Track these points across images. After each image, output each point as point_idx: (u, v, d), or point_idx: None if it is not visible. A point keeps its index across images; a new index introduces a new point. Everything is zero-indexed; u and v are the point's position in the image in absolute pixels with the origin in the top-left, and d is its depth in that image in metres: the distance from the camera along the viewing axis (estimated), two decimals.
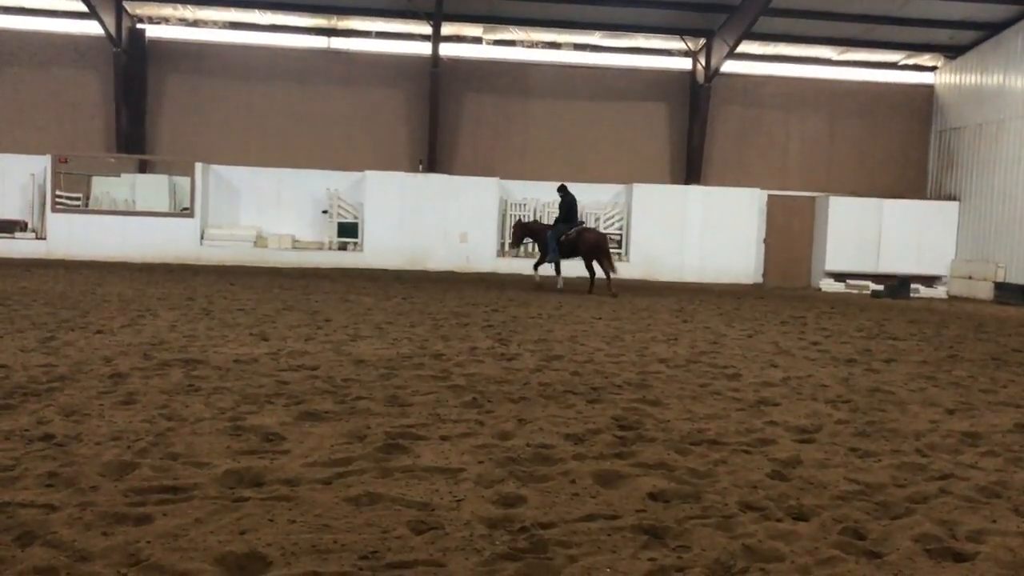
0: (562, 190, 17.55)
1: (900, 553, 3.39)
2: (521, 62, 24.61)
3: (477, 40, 24.31)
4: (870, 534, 3.61)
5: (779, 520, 3.75)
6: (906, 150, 25.35)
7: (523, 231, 18.15)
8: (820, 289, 22.60)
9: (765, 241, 23.57)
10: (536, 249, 19.32)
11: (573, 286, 17.71)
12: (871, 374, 8.03)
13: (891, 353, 9.67)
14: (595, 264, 17.07)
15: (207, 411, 5.38)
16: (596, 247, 16.96)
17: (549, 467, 4.43)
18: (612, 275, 16.99)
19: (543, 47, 24.55)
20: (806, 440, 5.25)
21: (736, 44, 22.43)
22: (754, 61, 24.72)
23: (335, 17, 23.52)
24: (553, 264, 17.54)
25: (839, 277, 22.85)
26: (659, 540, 3.46)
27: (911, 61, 24.94)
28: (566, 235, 17.00)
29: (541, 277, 17.80)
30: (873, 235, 23.06)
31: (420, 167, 23.64)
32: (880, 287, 21.44)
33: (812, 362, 8.68)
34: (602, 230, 22.77)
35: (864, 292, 21.84)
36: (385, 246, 22.15)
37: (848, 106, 25.17)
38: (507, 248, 22.07)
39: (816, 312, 15.12)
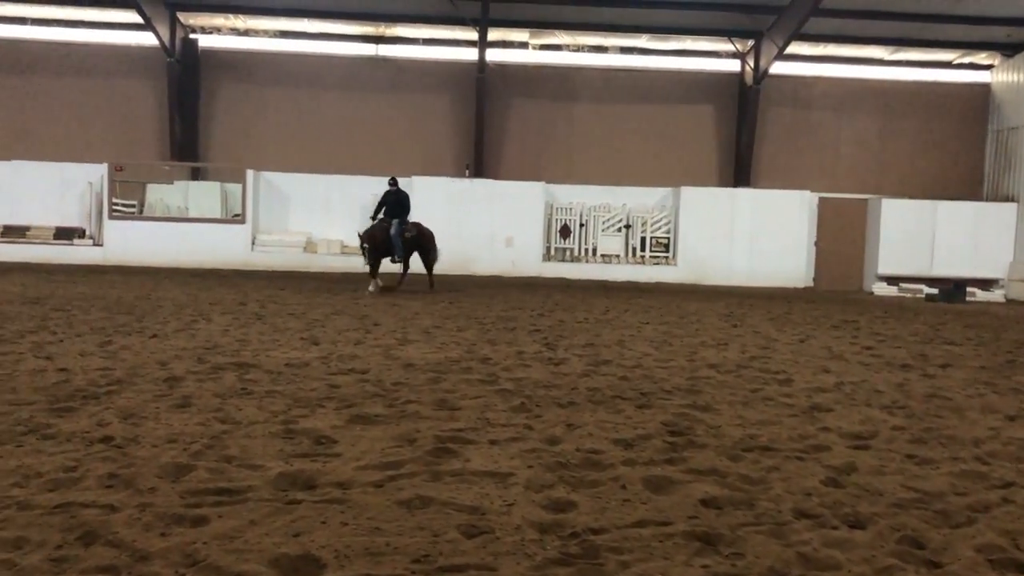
0: (394, 183, 16.37)
1: (962, 563, 3.31)
2: (567, 66, 24.61)
3: (523, 45, 24.37)
4: (930, 543, 3.53)
5: (835, 528, 3.69)
6: (961, 151, 24.81)
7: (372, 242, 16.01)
8: (872, 293, 22.20)
9: (816, 244, 23.23)
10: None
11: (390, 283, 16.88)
12: (927, 379, 7.85)
13: (947, 358, 9.45)
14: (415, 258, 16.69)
15: (260, 414, 5.45)
16: (433, 241, 16.75)
17: (599, 472, 4.40)
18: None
19: (589, 51, 24.52)
20: (861, 447, 5.15)
21: (785, 45, 22.17)
22: (804, 62, 24.42)
23: (383, 24, 23.77)
24: (372, 264, 16.02)
25: (892, 281, 22.43)
26: (712, 547, 3.42)
27: (966, 60, 24.42)
28: (408, 231, 16.09)
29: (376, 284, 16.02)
30: (927, 238, 22.60)
31: (466, 172, 23.75)
32: (935, 291, 20.99)
33: (866, 367, 8.52)
34: (646, 233, 22.77)
35: (918, 296, 21.41)
36: None
37: (901, 106, 24.72)
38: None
39: (869, 316, 14.84)
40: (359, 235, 16.20)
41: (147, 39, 23.14)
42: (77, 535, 3.29)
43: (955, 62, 24.51)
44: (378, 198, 16.69)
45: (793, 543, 3.46)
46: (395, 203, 16.16)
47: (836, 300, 19.18)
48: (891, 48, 23.94)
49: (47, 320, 9.96)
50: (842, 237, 23.28)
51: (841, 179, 24.60)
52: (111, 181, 21.63)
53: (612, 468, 4.48)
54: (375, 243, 15.82)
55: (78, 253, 21.52)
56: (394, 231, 15.86)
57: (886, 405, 6.51)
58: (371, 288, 15.69)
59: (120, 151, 23.37)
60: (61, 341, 8.32)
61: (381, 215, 16.17)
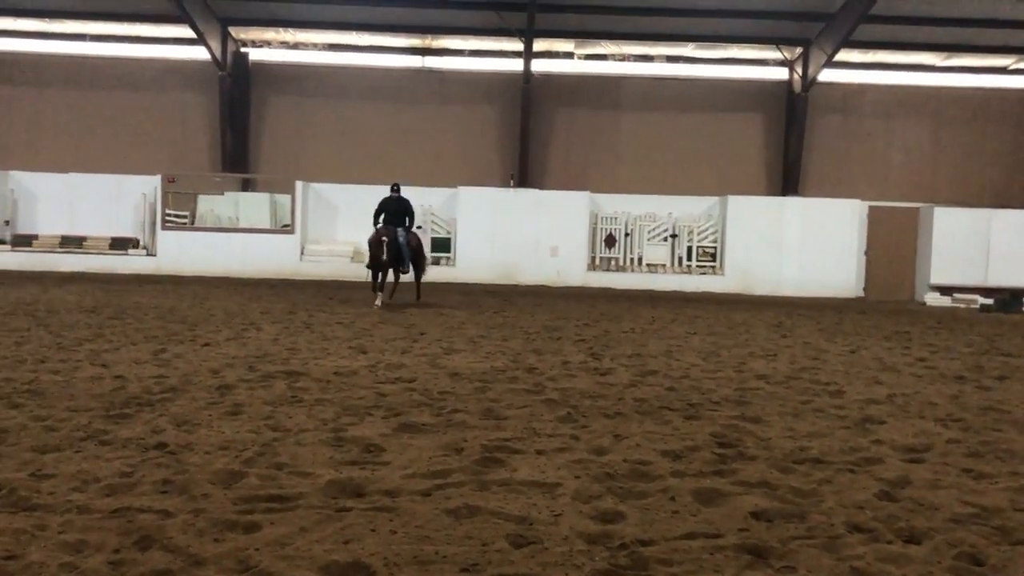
0: (396, 189, 15.01)
1: None
2: (613, 76, 24.58)
3: (569, 55, 24.41)
4: (988, 559, 3.45)
5: (889, 542, 3.62)
6: (1017, 158, 24.25)
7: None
8: (925, 303, 21.75)
9: (866, 254, 22.85)
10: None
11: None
12: (983, 392, 7.67)
13: (1004, 370, 9.22)
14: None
15: (310, 422, 5.52)
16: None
17: (647, 483, 4.38)
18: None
19: (635, 60, 24.45)
20: (915, 460, 5.05)
21: (834, 52, 21.90)
22: (853, 69, 24.10)
23: (430, 37, 23.98)
24: (378, 275, 14.53)
25: (945, 291, 21.95)
26: (763, 560, 3.38)
27: (1021, 65, 23.88)
28: (410, 241, 14.88)
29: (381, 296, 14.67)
30: (981, 247, 22.08)
31: (511, 182, 23.82)
32: (989, 301, 20.50)
33: (919, 379, 8.35)
34: (693, 242, 22.59)
35: (972, 306, 20.92)
36: (477, 260, 22.35)
37: (953, 113, 24.26)
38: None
39: (921, 327, 14.55)
40: (369, 243, 14.60)
41: (199, 53, 23.62)
42: (134, 539, 3.36)
43: (1010, 67, 23.98)
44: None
45: (846, 557, 3.41)
46: (397, 211, 14.88)
47: (887, 311, 18.83)
48: (943, 54, 23.51)
49: (103, 328, 10.20)
50: (893, 246, 22.85)
51: (892, 187, 24.20)
52: (164, 192, 22.07)
53: (660, 479, 4.45)
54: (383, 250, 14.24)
55: (132, 263, 21.99)
56: (402, 239, 14.60)
57: (940, 418, 6.38)
58: (377, 302, 14.38)
59: (173, 163, 23.88)
60: (117, 349, 8.51)
61: (381, 221, 14.82)
